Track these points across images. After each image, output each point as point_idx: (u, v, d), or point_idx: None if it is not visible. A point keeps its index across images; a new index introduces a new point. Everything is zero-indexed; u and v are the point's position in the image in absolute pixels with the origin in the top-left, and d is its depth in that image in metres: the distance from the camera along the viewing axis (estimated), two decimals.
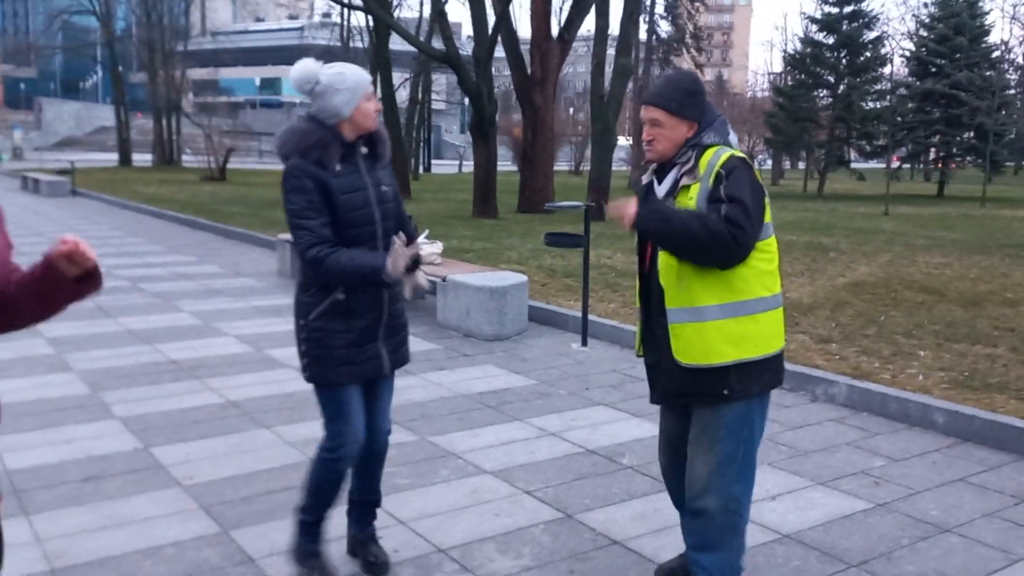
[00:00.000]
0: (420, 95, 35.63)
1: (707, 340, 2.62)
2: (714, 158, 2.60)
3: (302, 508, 3.09)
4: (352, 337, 2.96)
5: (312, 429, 4.33)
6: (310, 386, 3.03)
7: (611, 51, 17.64)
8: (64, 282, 1.93)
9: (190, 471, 4.16)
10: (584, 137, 38.40)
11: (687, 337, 2.63)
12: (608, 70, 17.56)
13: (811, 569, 3.29)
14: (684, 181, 2.62)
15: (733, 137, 2.73)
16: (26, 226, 15.56)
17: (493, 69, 17.72)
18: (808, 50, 31.84)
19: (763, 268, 2.65)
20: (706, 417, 2.72)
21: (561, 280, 9.17)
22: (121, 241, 13.76)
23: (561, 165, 50.13)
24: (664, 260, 2.66)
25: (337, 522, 3.25)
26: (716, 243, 2.50)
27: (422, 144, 41.88)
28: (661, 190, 2.73)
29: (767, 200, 2.65)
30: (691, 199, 2.60)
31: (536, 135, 18.26)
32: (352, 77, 2.89)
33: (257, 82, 72.31)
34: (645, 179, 2.84)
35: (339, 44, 37.52)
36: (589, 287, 7.05)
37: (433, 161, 51.59)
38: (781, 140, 32.57)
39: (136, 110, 51.67)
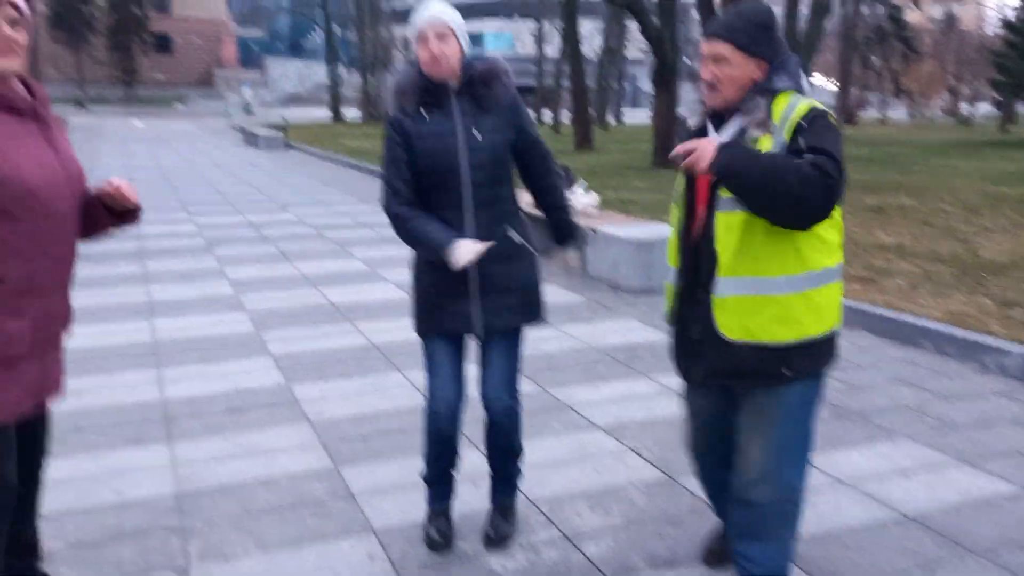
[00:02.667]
0: (614, 44, 35.09)
1: (768, 316, 2.33)
2: (788, 108, 2.28)
3: (423, 462, 3.10)
4: (435, 289, 2.89)
5: None
6: None
7: None
8: (104, 215, 2.37)
9: (321, 408, 4.42)
10: None
11: (743, 311, 2.34)
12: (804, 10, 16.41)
13: (925, 552, 3.00)
14: (753, 132, 2.30)
15: (806, 82, 2.39)
16: (241, 177, 16.97)
17: (684, 15, 17.06)
18: None
19: (831, 236, 2.35)
20: (762, 399, 2.44)
21: None
22: (318, 191, 14.68)
23: None
24: (724, 223, 2.33)
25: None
26: (809, 190, 2.12)
27: (614, 94, 41.32)
28: (719, 141, 2.34)
29: None
30: None
31: None
32: (412, 20, 2.78)
33: None
34: (694, 122, 2.50)
35: None
36: None
37: (628, 110, 50.87)
38: (1010, 82, 29.17)
39: (354, 67, 54.48)
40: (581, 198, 7.80)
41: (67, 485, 3.50)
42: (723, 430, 2.62)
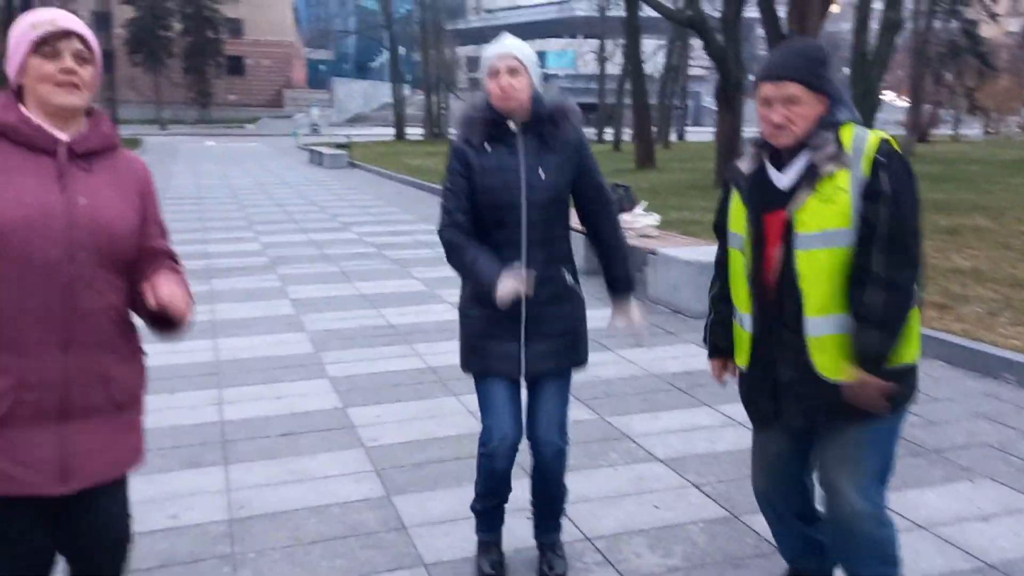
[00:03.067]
0: (677, 61, 34.77)
1: None
2: (859, 141, 2.27)
3: (475, 494, 3.03)
4: (483, 328, 2.81)
5: None
6: None
7: (878, 5, 16.01)
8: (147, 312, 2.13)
9: (376, 433, 4.37)
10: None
11: (842, 350, 2.31)
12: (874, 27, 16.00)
13: None
14: (826, 167, 2.26)
15: (856, 112, 2.40)
16: (305, 195, 17.24)
17: (749, 32, 16.81)
18: None
19: None
20: (854, 433, 2.39)
21: None
22: (380, 210, 14.81)
23: None
24: (806, 261, 2.29)
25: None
26: (910, 293, 2.28)
27: (676, 112, 40.90)
28: (785, 179, 2.35)
29: None
30: (842, 188, 2.24)
31: None
32: (484, 53, 2.77)
33: None
34: (746, 167, 2.45)
35: (597, 15, 37.51)
36: None
37: (692, 128, 50.37)
38: None
39: (418, 87, 55.26)
40: (641, 219, 7.67)
41: None
42: (794, 468, 2.60)
